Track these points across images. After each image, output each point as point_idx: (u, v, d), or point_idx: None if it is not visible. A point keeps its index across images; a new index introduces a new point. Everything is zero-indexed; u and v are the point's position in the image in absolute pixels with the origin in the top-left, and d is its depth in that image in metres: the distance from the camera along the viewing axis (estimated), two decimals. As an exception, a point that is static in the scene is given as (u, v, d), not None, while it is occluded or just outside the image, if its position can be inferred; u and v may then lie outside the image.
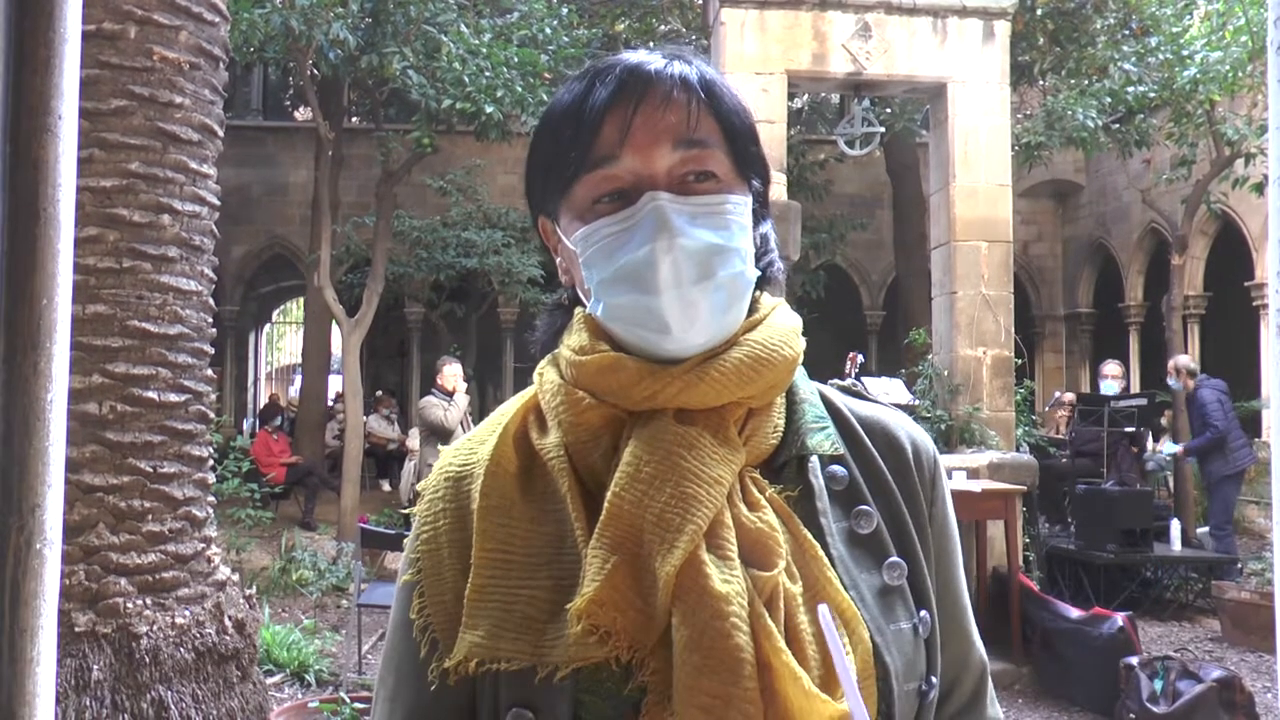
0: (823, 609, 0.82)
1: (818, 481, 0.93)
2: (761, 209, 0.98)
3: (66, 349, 0.87)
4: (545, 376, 0.97)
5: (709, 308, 0.88)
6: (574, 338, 0.95)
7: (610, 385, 0.90)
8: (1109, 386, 9.70)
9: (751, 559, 0.85)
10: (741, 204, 0.92)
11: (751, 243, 0.93)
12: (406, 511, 1.03)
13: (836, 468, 0.95)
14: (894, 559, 0.92)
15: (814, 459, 0.95)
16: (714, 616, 0.80)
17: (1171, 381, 9.40)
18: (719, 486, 0.86)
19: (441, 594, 0.92)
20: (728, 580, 0.82)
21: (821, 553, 0.88)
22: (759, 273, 0.94)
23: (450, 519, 0.95)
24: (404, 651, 0.95)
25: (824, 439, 0.96)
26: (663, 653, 0.82)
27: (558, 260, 0.99)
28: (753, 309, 0.96)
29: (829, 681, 0.82)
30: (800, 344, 0.96)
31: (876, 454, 0.99)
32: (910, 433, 1.03)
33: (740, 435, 0.91)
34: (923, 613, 0.93)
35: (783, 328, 0.95)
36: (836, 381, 1.08)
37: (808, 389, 1.01)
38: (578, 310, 0.97)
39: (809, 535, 0.89)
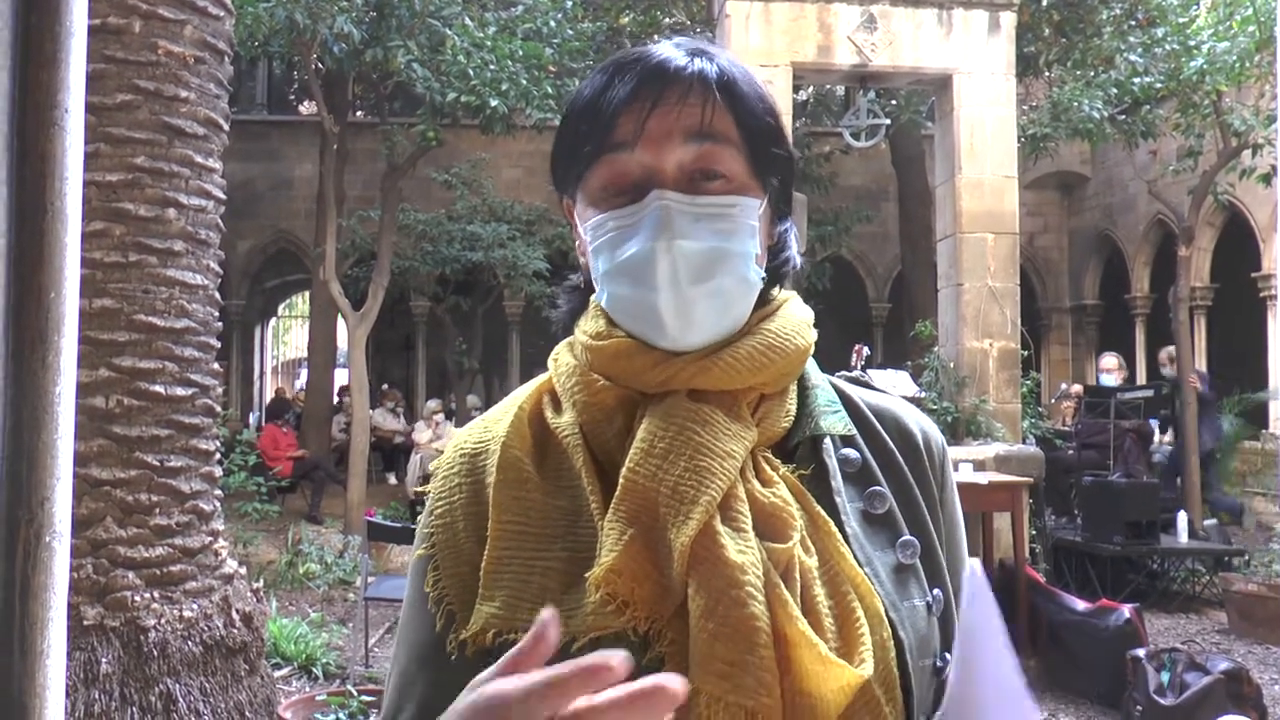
0: (973, 563, 0.81)
1: (831, 461, 0.95)
2: (783, 206, 1.00)
3: (74, 343, 0.87)
4: (560, 359, 0.99)
5: (706, 309, 0.90)
6: (590, 323, 0.97)
7: (625, 370, 0.92)
8: (1107, 379, 9.70)
9: (765, 532, 0.87)
10: (752, 206, 0.93)
11: (759, 245, 0.94)
12: (421, 490, 1.04)
13: (849, 451, 0.97)
14: (907, 537, 0.94)
15: (827, 440, 0.96)
16: (729, 585, 0.82)
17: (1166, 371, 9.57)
18: (732, 460, 0.88)
19: (458, 566, 0.93)
20: (742, 551, 0.84)
21: (835, 528, 0.90)
22: (763, 275, 0.95)
23: (466, 493, 0.96)
24: (420, 625, 0.96)
25: (836, 420, 0.98)
26: (679, 624, 0.83)
27: (577, 242, 1.01)
28: (766, 300, 0.98)
29: (846, 651, 0.84)
30: (811, 335, 0.98)
31: (888, 439, 1.00)
32: (920, 422, 1.05)
33: (753, 417, 0.93)
34: (935, 591, 0.94)
35: (795, 318, 0.98)
36: (845, 373, 1.09)
37: (819, 377, 1.03)
38: (594, 296, 0.99)
39: (822, 511, 0.91)
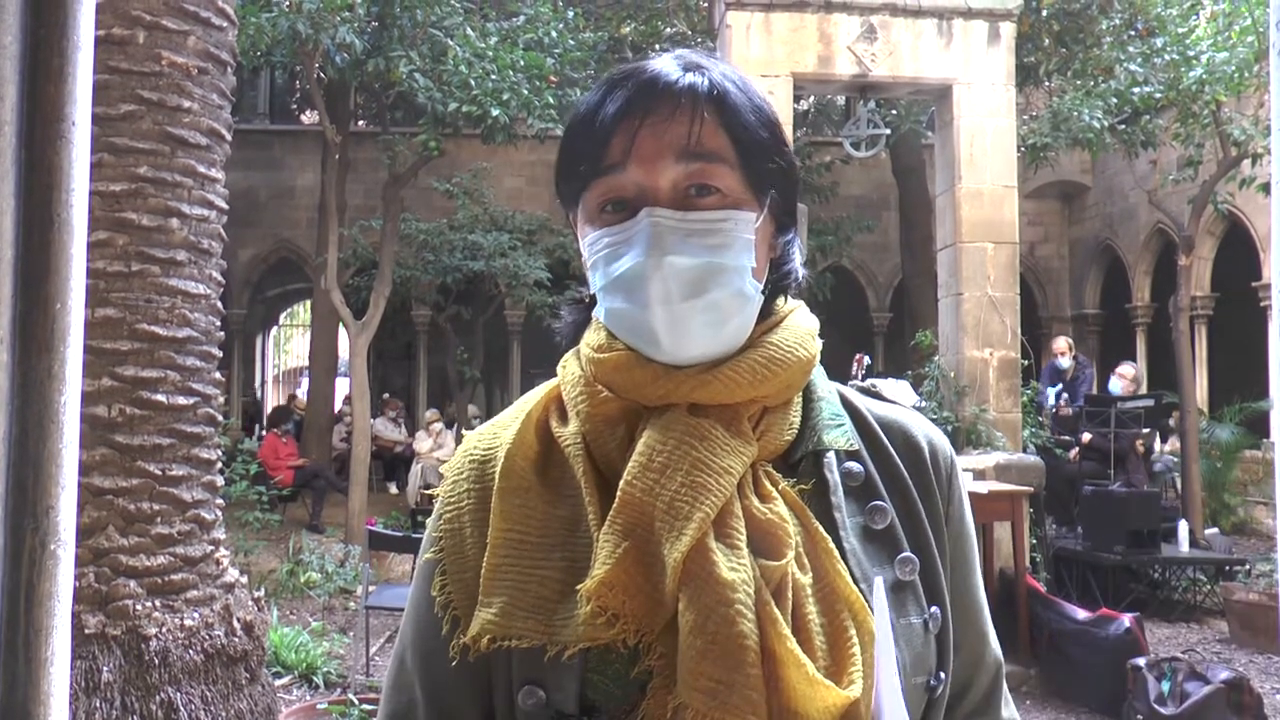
0: (877, 581, 0.84)
1: (833, 476, 0.95)
2: (785, 218, 0.99)
3: (80, 352, 0.88)
4: (568, 369, 0.99)
5: (700, 324, 0.89)
6: (593, 336, 0.98)
7: (626, 382, 0.92)
8: (1115, 385, 9.73)
9: (760, 549, 0.87)
10: (746, 220, 0.91)
11: (754, 258, 0.93)
12: (430, 493, 1.05)
13: (853, 464, 0.97)
14: (906, 554, 0.94)
15: (830, 454, 0.96)
16: (719, 602, 0.82)
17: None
18: (729, 476, 0.88)
19: (463, 571, 0.94)
20: (734, 568, 0.84)
21: (832, 545, 0.90)
22: (762, 289, 0.94)
23: (474, 499, 0.97)
24: (425, 627, 0.97)
25: (839, 435, 0.98)
26: (669, 638, 0.84)
27: (583, 254, 1.01)
28: (771, 311, 0.97)
29: (835, 671, 0.84)
30: (816, 346, 0.98)
31: (894, 452, 1.00)
32: (928, 433, 1.04)
33: (755, 430, 0.93)
34: (933, 609, 0.94)
35: (799, 329, 0.97)
36: (855, 383, 1.09)
37: (825, 388, 1.02)
38: (596, 310, 0.99)
39: (820, 528, 0.90)
